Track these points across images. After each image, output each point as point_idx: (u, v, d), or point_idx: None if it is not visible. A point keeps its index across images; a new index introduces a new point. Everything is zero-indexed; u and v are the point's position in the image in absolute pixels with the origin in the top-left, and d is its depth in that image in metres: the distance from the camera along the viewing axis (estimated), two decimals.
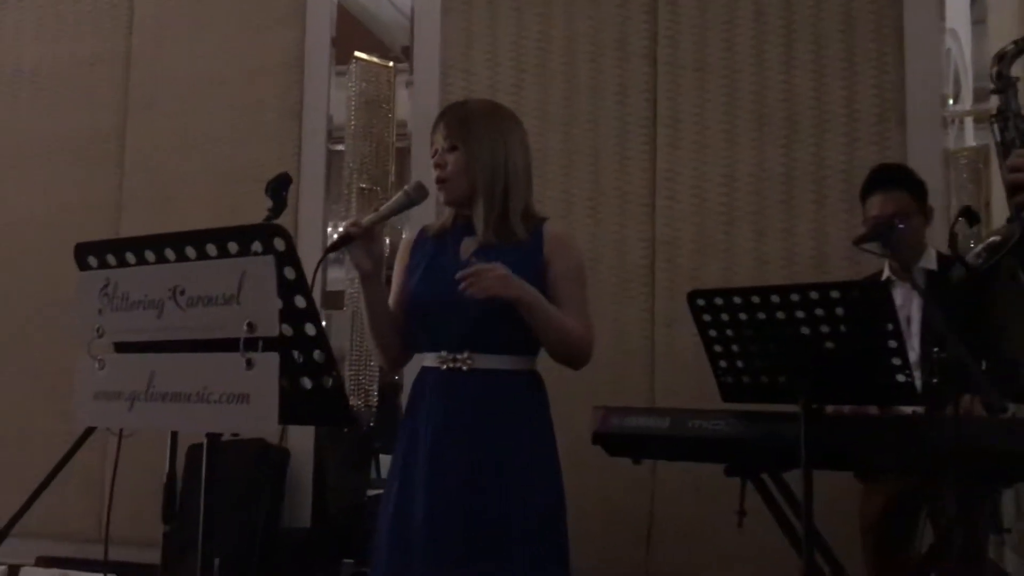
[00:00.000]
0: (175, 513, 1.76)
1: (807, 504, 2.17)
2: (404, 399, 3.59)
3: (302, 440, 3.79)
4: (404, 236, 2.49)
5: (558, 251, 2.22)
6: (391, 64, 4.24)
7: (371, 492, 4.52)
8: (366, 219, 2.13)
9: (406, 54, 4.29)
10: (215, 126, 4.04)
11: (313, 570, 3.62)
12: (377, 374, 4.29)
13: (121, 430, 1.73)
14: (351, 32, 4.31)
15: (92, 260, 1.65)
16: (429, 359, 2.20)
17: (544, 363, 3.36)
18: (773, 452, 2.37)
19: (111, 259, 1.62)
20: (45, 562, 3.87)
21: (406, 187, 2.21)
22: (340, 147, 4.17)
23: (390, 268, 2.34)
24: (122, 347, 1.65)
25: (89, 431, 1.75)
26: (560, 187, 3.57)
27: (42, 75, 4.32)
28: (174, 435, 1.78)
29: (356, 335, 4.28)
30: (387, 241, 2.92)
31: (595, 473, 3.21)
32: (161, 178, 4.09)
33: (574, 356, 2.23)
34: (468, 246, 2.23)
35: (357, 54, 4.10)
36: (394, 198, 2.21)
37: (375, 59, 4.18)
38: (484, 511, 2.07)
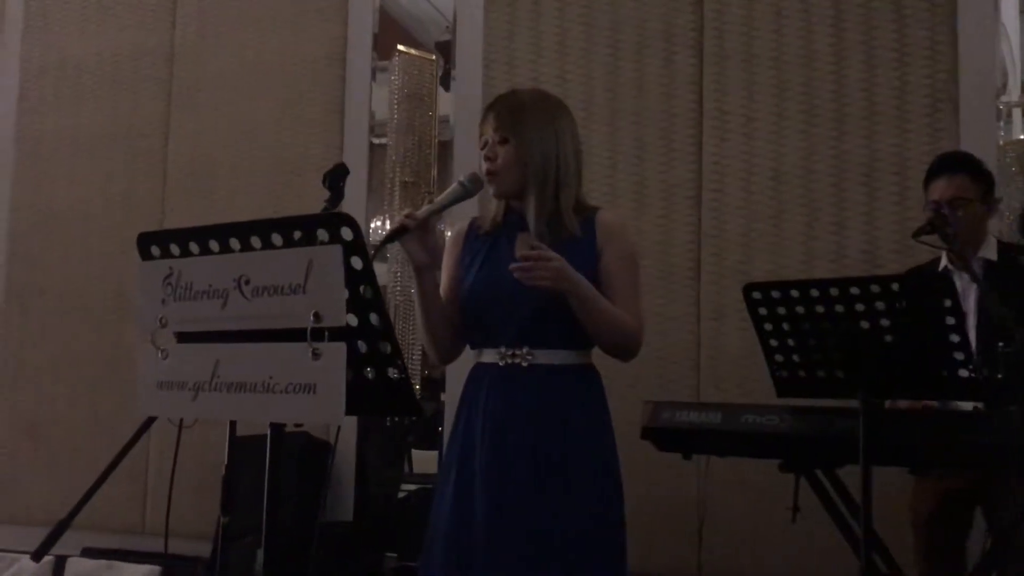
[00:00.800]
0: (234, 505, 1.75)
1: (866, 503, 2.13)
2: (445, 395, 3.64)
3: (344, 433, 3.78)
4: (449, 231, 2.46)
5: (610, 238, 2.18)
6: (433, 57, 4.22)
7: (405, 487, 4.51)
8: (421, 211, 2.09)
9: (442, 51, 4.27)
10: (258, 119, 4.05)
11: (356, 563, 3.62)
12: (418, 369, 4.29)
13: (181, 420, 1.73)
14: (393, 28, 4.30)
15: (155, 250, 1.64)
16: (486, 355, 2.18)
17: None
18: (829, 448, 2.34)
19: (174, 249, 1.62)
20: (91, 553, 3.90)
21: (461, 178, 2.17)
22: (382, 141, 4.16)
23: None
24: (185, 337, 1.64)
25: (150, 420, 1.74)
26: (605, 181, 3.54)
27: (87, 69, 4.35)
28: (232, 426, 1.77)
29: (397, 329, 4.28)
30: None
31: (642, 468, 3.17)
32: (204, 171, 4.11)
33: (625, 349, 2.20)
34: (522, 242, 2.20)
35: (400, 47, 4.08)
36: (449, 189, 2.18)
37: (418, 53, 4.16)
38: (547, 509, 2.05)
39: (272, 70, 4.05)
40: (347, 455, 3.80)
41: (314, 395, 1.42)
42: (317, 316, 1.43)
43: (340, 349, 1.41)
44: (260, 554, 3.63)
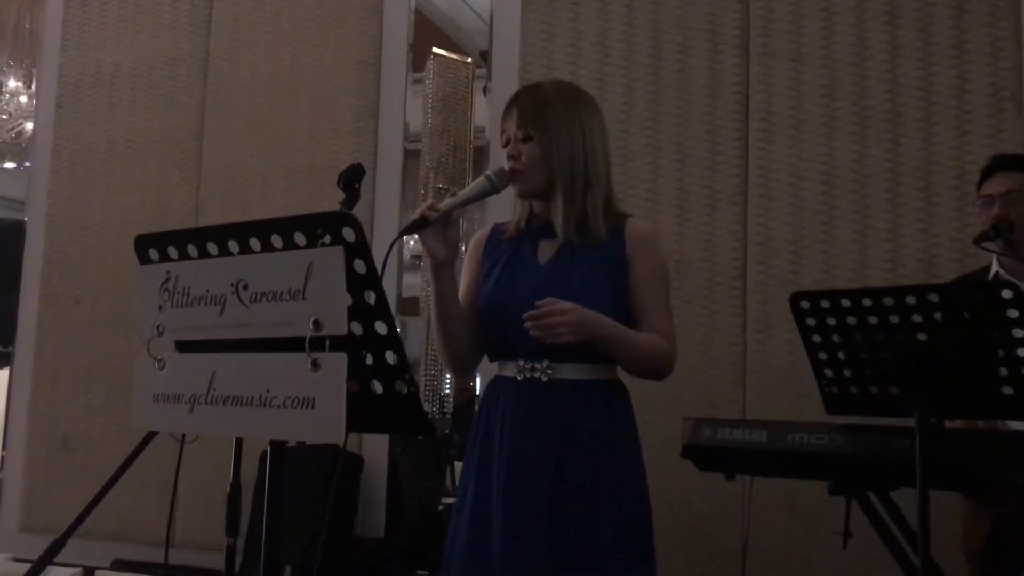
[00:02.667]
0: (239, 526, 1.65)
1: (923, 530, 1.96)
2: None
3: (376, 447, 3.68)
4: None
5: (642, 251, 2.05)
6: (469, 60, 4.12)
7: (446, 500, 4.41)
8: (444, 203, 1.98)
9: (484, 59, 4.18)
10: (292, 125, 3.98)
11: None
12: (452, 381, 4.18)
13: (184, 436, 1.63)
14: (429, 36, 4.22)
15: (153, 253, 1.55)
16: (504, 368, 2.06)
17: (624, 372, 3.22)
18: (882, 470, 2.17)
19: (172, 252, 1.52)
20: (120, 565, 3.85)
21: (488, 172, 2.06)
22: (417, 146, 4.07)
23: None
24: (184, 346, 1.54)
25: (150, 435, 1.65)
26: (646, 186, 3.40)
27: (122, 76, 4.32)
28: (239, 441, 1.67)
29: (431, 341, 4.18)
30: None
31: (683, 487, 3.03)
32: (239, 177, 4.05)
33: (656, 373, 2.08)
34: (547, 249, 2.08)
35: (435, 50, 3.99)
36: (474, 183, 2.06)
37: (453, 56, 4.06)
38: (566, 531, 1.93)
39: (306, 76, 3.98)
40: (379, 469, 3.70)
41: (313, 410, 1.31)
42: (317, 324, 1.31)
43: (340, 360, 1.30)
44: (288, 570, 3.53)
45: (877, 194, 3.13)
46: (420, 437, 3.78)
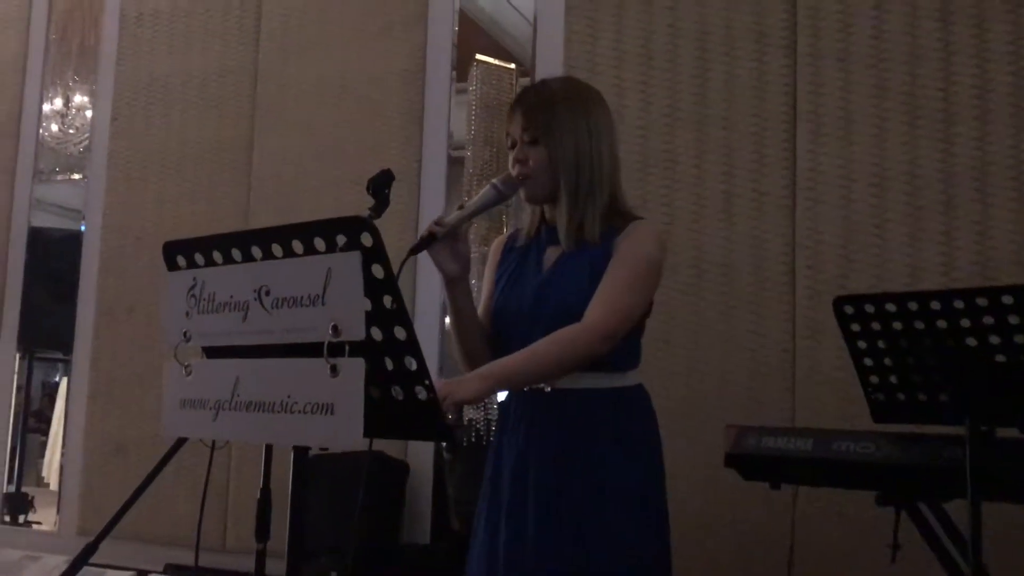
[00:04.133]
0: (269, 531, 1.65)
1: (975, 543, 1.89)
2: None
3: (422, 453, 3.68)
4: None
5: (625, 243, 1.94)
6: (512, 66, 4.10)
7: None
8: (449, 217, 1.94)
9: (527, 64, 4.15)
10: (339, 134, 4.01)
11: None
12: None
13: (213, 442, 1.63)
14: (474, 42, 4.21)
15: (181, 260, 1.56)
16: None
17: (671, 380, 3.18)
18: (933, 480, 2.10)
19: (199, 258, 1.53)
20: (172, 569, 3.90)
21: (494, 180, 1.99)
22: (461, 153, 4.06)
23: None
24: (211, 352, 1.55)
25: (180, 442, 1.66)
26: (691, 189, 3.35)
27: (174, 88, 4.40)
28: (268, 448, 1.67)
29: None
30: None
31: (728, 497, 2.98)
32: (287, 187, 4.09)
33: (580, 362, 1.90)
34: (551, 255, 2.03)
35: (479, 57, 3.99)
36: (481, 192, 2.00)
37: (497, 62, 4.05)
38: (563, 541, 1.87)
39: (352, 85, 4.01)
40: (425, 475, 3.70)
41: (332, 416, 1.30)
42: (336, 329, 1.31)
43: (358, 365, 1.29)
44: None
45: (930, 196, 3.04)
46: (443, 444, 3.76)
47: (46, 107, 4.93)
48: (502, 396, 2.15)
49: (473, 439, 4.01)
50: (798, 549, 2.64)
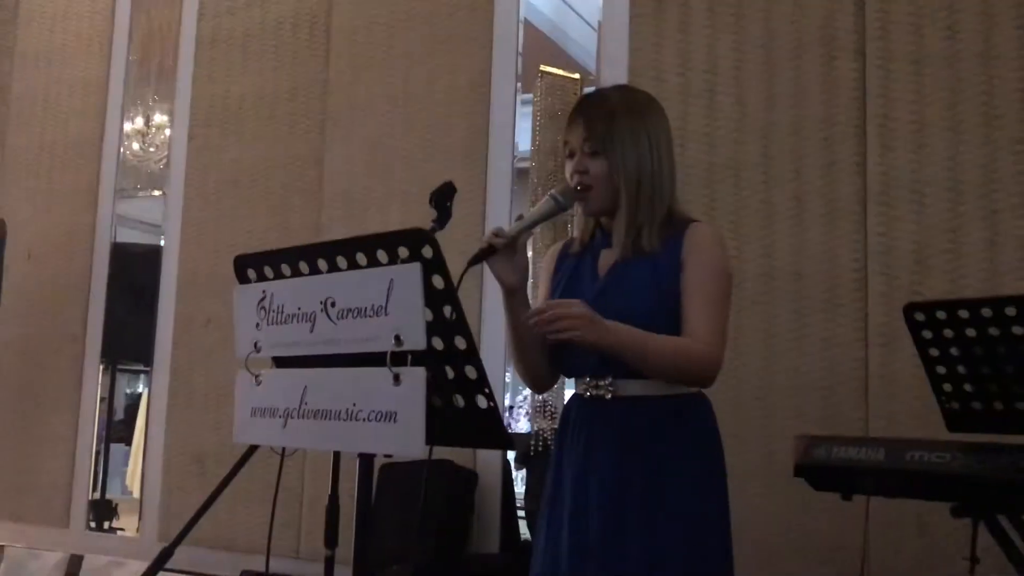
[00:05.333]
0: (337, 537, 1.68)
1: None
2: None
3: (491, 463, 3.70)
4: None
5: (695, 254, 1.94)
6: (577, 76, 4.12)
7: None
8: (510, 228, 1.95)
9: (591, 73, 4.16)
10: (407, 148, 4.07)
11: None
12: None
13: (284, 449, 1.67)
14: (539, 50, 4.23)
15: (251, 273, 1.60)
16: (575, 385, 2.02)
17: (742, 389, 3.14)
18: (1010, 491, 2.04)
19: (268, 271, 1.57)
20: (248, 575, 3.98)
21: (553, 191, 2.00)
22: (525, 164, 4.09)
23: None
24: (280, 362, 1.59)
25: (251, 449, 1.70)
26: (760, 197, 3.32)
27: (246, 107, 4.51)
28: (336, 455, 1.71)
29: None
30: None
31: (799, 507, 2.93)
32: (358, 202, 4.16)
33: (689, 380, 1.94)
34: (606, 261, 2.03)
35: (543, 68, 4.01)
36: (540, 203, 2.01)
37: (561, 72, 4.07)
38: (625, 550, 1.87)
39: (419, 99, 4.06)
40: (494, 484, 3.71)
41: (395, 424, 1.33)
42: (398, 339, 1.34)
43: (420, 374, 1.31)
44: None
45: (1007, 199, 2.96)
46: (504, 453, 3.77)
47: (127, 126, 5.10)
48: (566, 396, 2.16)
49: (540, 447, 4.02)
50: (872, 561, 2.59)
